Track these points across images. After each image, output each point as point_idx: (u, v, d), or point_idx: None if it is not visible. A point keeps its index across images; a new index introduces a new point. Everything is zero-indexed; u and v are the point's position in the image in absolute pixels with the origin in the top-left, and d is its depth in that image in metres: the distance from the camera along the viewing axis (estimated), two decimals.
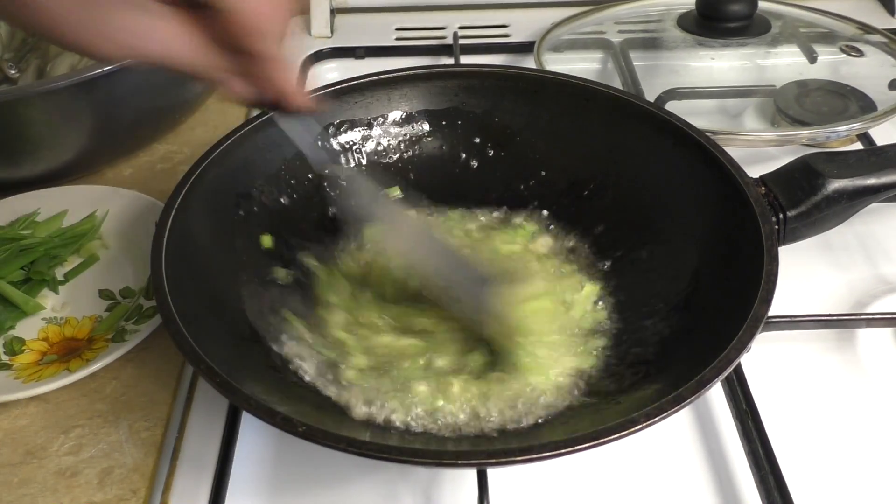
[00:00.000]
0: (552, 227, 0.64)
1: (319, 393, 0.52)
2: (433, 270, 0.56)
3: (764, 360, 0.57)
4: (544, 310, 0.56)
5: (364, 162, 0.67)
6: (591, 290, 0.59)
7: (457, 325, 0.55)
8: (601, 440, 0.41)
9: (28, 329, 0.61)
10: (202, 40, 0.42)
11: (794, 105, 0.78)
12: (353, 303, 0.58)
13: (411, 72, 0.68)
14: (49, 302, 0.63)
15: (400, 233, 0.57)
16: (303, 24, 1.01)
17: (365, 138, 0.67)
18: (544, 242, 0.63)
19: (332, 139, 0.66)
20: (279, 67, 0.44)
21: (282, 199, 0.63)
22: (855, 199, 0.56)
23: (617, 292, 0.59)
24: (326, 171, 0.54)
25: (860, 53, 0.84)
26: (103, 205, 0.68)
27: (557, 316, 0.56)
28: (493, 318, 0.54)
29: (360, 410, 0.50)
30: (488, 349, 0.54)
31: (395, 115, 0.68)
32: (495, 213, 0.66)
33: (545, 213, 0.65)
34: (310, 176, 0.64)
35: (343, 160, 0.66)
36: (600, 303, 0.58)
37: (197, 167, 0.57)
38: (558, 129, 0.66)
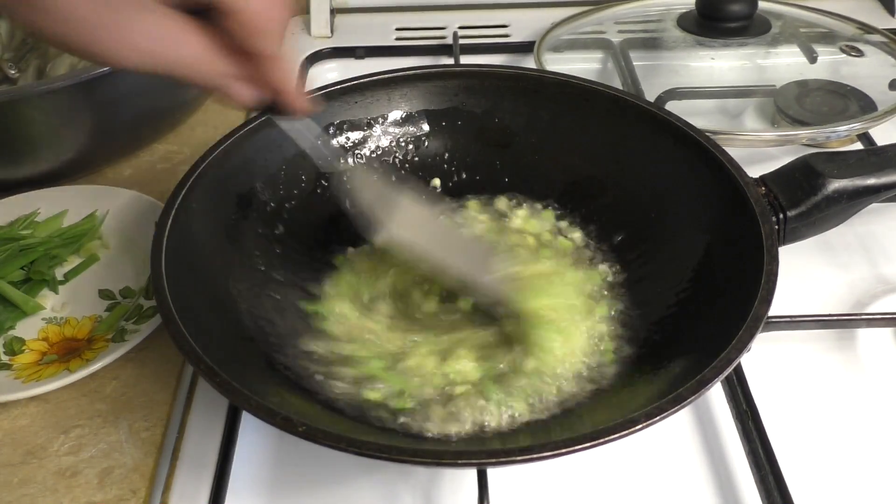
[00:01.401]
0: (551, 227, 0.64)
1: (321, 392, 0.52)
2: (445, 257, 0.56)
3: (764, 360, 0.57)
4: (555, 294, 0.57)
5: (363, 162, 0.67)
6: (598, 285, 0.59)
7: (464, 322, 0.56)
8: (601, 440, 0.41)
9: (28, 329, 0.61)
10: (208, 44, 0.42)
11: (794, 105, 0.78)
12: (356, 303, 0.58)
13: (411, 72, 0.68)
14: (49, 302, 0.63)
15: (411, 223, 0.57)
16: (303, 24, 1.01)
17: (365, 138, 0.67)
18: (544, 241, 0.63)
19: (332, 139, 0.66)
20: (280, 67, 0.45)
21: (282, 199, 0.63)
22: (855, 199, 0.56)
23: (616, 293, 0.59)
24: (332, 171, 0.55)
25: (860, 53, 0.84)
26: (103, 205, 0.68)
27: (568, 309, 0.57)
28: (504, 300, 0.55)
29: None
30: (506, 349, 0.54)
31: (395, 115, 0.68)
32: (495, 213, 0.66)
33: (544, 212, 0.65)
34: (306, 177, 0.64)
35: (344, 160, 0.66)
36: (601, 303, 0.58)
37: (197, 167, 0.57)
38: (558, 129, 0.66)
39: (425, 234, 0.57)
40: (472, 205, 0.66)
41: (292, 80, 0.46)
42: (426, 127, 0.69)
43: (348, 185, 0.54)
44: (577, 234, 0.63)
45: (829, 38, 0.88)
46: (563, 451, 0.40)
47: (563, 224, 0.64)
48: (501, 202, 0.66)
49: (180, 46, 0.41)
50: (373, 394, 0.52)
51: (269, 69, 0.44)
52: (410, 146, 0.68)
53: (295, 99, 0.47)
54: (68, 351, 0.59)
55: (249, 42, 0.43)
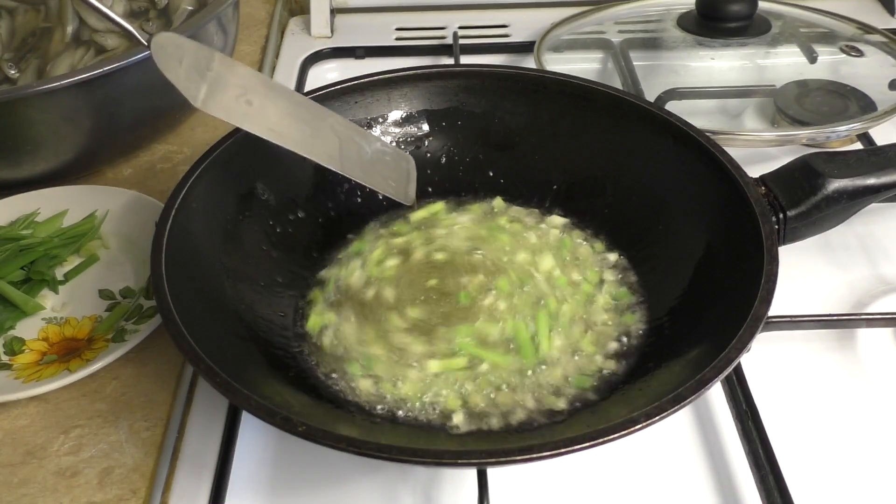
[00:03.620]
0: (551, 227, 0.64)
1: (321, 391, 0.52)
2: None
3: (764, 360, 0.57)
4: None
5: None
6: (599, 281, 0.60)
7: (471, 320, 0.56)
8: (601, 440, 0.41)
9: (28, 329, 0.61)
10: None
11: (794, 105, 0.77)
12: (357, 301, 0.58)
13: (411, 72, 0.68)
14: (49, 302, 0.63)
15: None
16: (303, 24, 1.01)
17: None
18: (544, 240, 0.63)
19: None
20: None
21: (282, 199, 0.63)
22: (855, 199, 0.56)
23: (616, 293, 0.59)
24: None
25: (860, 53, 0.84)
26: (103, 205, 0.68)
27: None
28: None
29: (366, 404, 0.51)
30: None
31: (395, 115, 0.68)
32: (492, 213, 0.66)
33: (544, 212, 0.65)
34: (305, 177, 0.64)
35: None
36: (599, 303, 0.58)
37: (197, 167, 0.57)
38: (558, 129, 0.66)
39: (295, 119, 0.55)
40: (471, 206, 0.66)
41: None
42: (426, 127, 0.68)
43: (158, 55, 0.51)
44: (576, 235, 0.63)
45: (829, 38, 0.88)
46: (563, 450, 0.40)
47: (562, 224, 0.64)
48: (499, 202, 0.66)
49: None
50: (369, 387, 0.52)
51: None
52: (411, 146, 0.68)
53: None
54: (68, 351, 0.59)
55: None
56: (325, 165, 0.54)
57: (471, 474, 0.48)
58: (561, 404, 0.51)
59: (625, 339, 0.55)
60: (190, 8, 0.82)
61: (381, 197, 0.66)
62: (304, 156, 0.53)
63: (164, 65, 0.52)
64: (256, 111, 0.54)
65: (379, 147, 0.60)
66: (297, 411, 0.47)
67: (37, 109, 0.65)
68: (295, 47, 0.97)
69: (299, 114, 0.56)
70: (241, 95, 0.54)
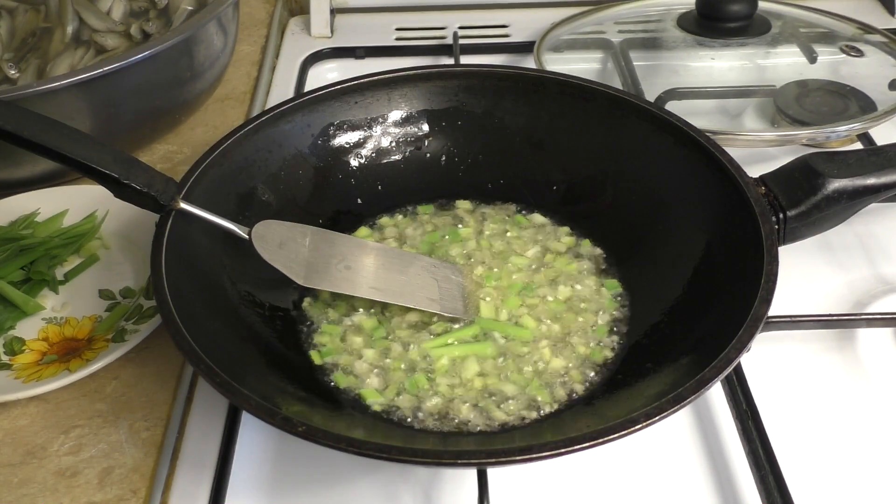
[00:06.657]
0: (551, 226, 0.64)
1: (321, 391, 0.52)
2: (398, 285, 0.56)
3: (764, 360, 0.57)
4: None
5: (364, 162, 0.67)
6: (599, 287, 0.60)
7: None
8: (601, 440, 0.41)
9: (28, 329, 0.61)
10: None
11: (794, 105, 0.77)
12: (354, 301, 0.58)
13: (411, 72, 0.68)
14: (49, 302, 0.63)
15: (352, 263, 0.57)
16: (303, 24, 1.01)
17: (365, 139, 0.67)
18: (545, 241, 0.63)
19: (331, 139, 0.66)
20: None
21: (282, 199, 0.63)
22: (855, 199, 0.56)
23: (616, 293, 0.59)
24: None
25: (860, 53, 0.84)
26: (103, 205, 0.68)
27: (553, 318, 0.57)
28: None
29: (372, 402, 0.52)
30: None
31: (396, 115, 0.68)
32: (496, 214, 0.66)
33: (544, 212, 0.65)
34: (305, 177, 0.64)
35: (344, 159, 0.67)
36: (601, 302, 0.58)
37: (197, 167, 0.57)
38: (558, 129, 0.66)
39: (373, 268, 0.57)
40: (464, 205, 0.66)
41: None
42: (426, 127, 0.68)
43: (258, 245, 0.54)
44: (575, 234, 0.63)
45: (829, 38, 0.87)
46: (563, 450, 0.40)
47: (562, 226, 0.64)
48: (496, 203, 0.67)
49: None
50: (370, 391, 0.53)
51: None
52: (411, 146, 0.68)
53: None
54: (68, 351, 0.59)
55: None
56: (428, 310, 0.56)
57: (471, 474, 0.48)
58: (562, 393, 0.52)
59: (624, 339, 0.56)
60: (190, 8, 0.82)
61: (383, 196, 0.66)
62: (409, 306, 0.56)
63: (267, 253, 0.54)
64: (356, 274, 0.57)
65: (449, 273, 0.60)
66: (297, 411, 0.47)
67: (37, 109, 0.65)
68: (295, 47, 0.97)
69: (393, 265, 0.58)
70: (339, 263, 0.57)
